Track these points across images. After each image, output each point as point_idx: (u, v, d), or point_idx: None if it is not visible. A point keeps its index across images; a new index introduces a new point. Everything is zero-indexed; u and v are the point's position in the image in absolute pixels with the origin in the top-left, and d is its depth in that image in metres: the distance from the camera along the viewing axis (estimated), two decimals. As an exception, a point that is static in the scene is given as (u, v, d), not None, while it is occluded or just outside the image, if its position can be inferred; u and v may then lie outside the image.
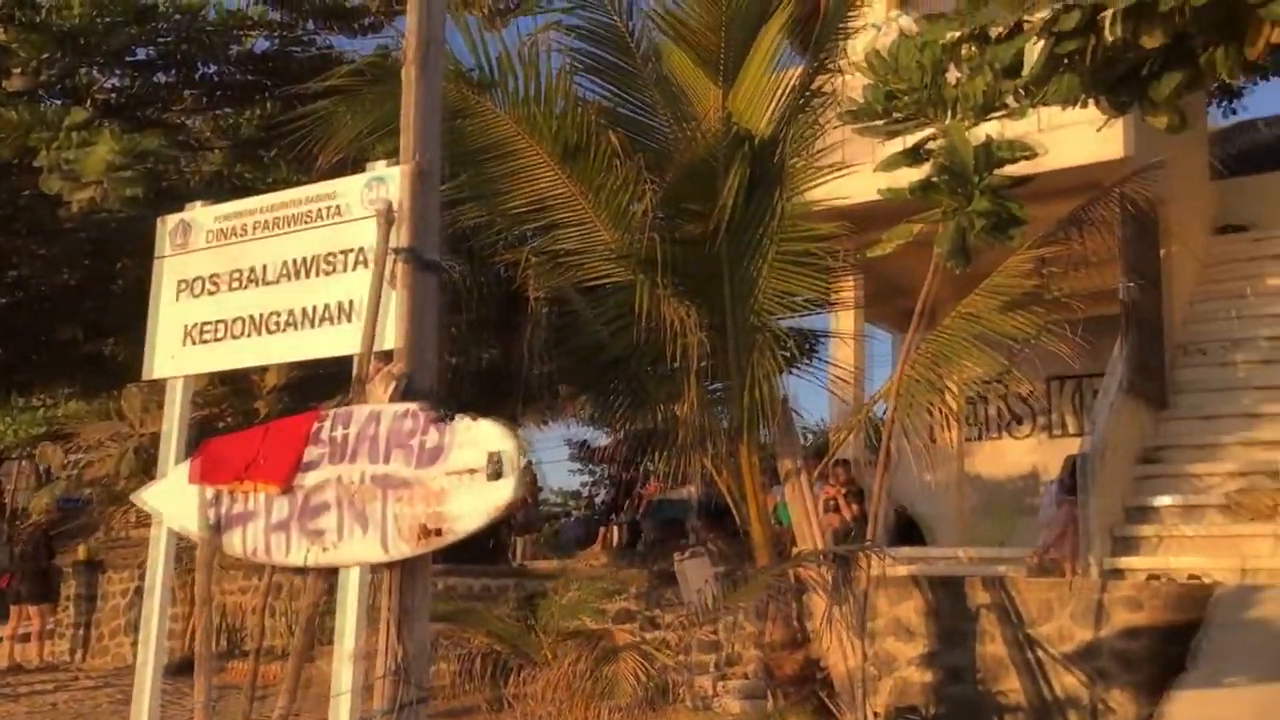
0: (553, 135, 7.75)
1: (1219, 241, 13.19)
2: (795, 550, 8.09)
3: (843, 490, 11.45)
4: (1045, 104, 5.24)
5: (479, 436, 3.70)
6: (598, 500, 23.70)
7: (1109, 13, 4.64)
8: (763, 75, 7.75)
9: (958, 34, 5.19)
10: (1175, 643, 7.72)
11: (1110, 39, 4.69)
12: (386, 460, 3.88)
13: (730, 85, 7.71)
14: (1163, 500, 10.10)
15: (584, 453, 27.19)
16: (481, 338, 16.82)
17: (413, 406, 3.88)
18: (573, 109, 7.82)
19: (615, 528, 17.56)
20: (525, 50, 7.65)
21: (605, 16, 7.88)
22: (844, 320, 11.26)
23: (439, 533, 3.75)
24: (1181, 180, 11.71)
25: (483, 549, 12.89)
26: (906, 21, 8.74)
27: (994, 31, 5.12)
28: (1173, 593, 8.30)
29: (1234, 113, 20.90)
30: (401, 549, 3.85)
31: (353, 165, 6.24)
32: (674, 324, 7.42)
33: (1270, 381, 10.68)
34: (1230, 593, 8.21)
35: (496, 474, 3.60)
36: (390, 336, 4.11)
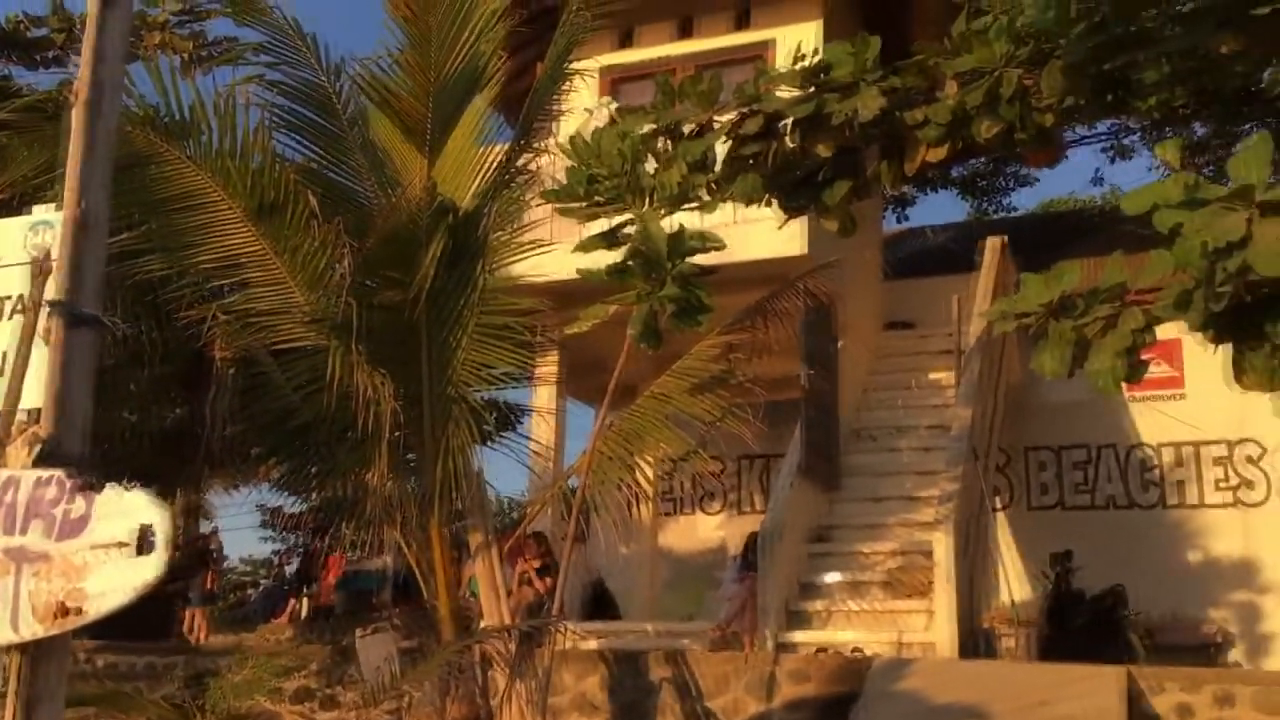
0: (247, 191, 7.43)
1: (888, 336, 14.37)
2: (482, 624, 7.99)
3: (536, 564, 11.45)
4: (731, 200, 5.56)
5: (128, 507, 3.42)
6: (288, 570, 22.59)
7: (787, 121, 5.00)
8: (468, 148, 7.79)
9: (652, 127, 5.44)
10: (836, 713, 8.16)
11: (788, 145, 5.06)
12: (22, 531, 3.51)
13: (435, 155, 7.68)
14: (832, 577, 10.73)
15: (275, 519, 25.88)
16: (166, 396, 15.80)
17: (57, 473, 3.54)
18: (270, 165, 7.53)
19: (305, 599, 16.80)
20: (222, 101, 7.33)
21: (310, 75, 7.68)
22: (544, 395, 11.40)
23: (78, 611, 3.42)
24: (857, 278, 12.70)
25: (149, 623, 11.96)
26: (615, 109, 9.08)
27: (686, 128, 5.41)
28: (836, 665, 8.79)
29: (905, 219, 23.10)
30: (34, 629, 3.48)
31: (20, 204, 5.78)
32: (367, 391, 7.24)
33: (927, 467, 11.60)
34: (885, 665, 8.79)
35: (144, 548, 3.34)
36: (37, 395, 3.76)
